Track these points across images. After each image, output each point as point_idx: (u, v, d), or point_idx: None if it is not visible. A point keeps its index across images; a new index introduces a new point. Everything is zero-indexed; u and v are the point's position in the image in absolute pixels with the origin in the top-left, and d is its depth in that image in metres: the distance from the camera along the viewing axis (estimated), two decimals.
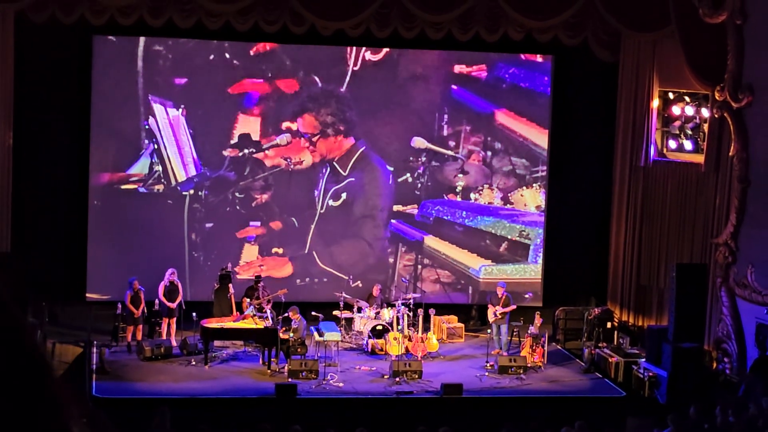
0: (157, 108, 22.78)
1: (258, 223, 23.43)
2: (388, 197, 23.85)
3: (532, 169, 24.18)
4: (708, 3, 20.34)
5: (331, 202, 23.60)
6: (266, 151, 23.25)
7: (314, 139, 23.39)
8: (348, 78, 23.34)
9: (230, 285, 21.52)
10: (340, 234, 23.75)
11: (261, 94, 23.12)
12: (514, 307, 21.52)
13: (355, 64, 23.36)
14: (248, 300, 20.96)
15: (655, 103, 22.79)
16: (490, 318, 21.35)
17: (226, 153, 23.14)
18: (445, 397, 18.35)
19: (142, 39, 22.60)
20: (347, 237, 23.81)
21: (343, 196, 23.65)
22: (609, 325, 22.30)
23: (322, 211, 23.57)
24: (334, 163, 23.53)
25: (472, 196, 24.11)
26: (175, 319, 21.03)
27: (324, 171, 23.52)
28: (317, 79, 23.27)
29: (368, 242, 23.91)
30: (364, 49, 23.31)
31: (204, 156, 23.10)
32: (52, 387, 1.91)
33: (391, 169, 23.75)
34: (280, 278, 23.18)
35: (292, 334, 19.85)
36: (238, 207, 23.35)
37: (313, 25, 22.05)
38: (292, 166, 23.36)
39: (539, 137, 24.04)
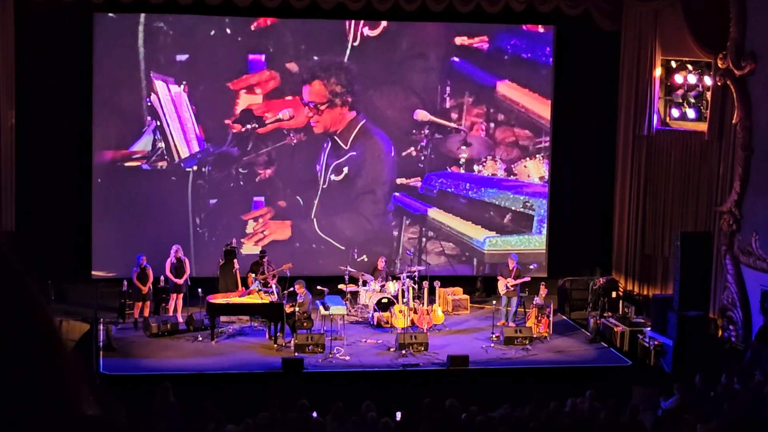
0: (159, 85, 22.76)
1: (262, 198, 23.44)
2: (391, 170, 23.85)
3: (535, 140, 24.16)
4: None
5: (333, 177, 23.60)
6: (269, 126, 23.25)
7: (321, 108, 23.35)
8: (348, 52, 23.30)
9: (235, 260, 21.54)
10: (343, 208, 23.77)
11: (263, 68, 23.08)
12: (528, 279, 21.52)
13: (354, 39, 23.32)
14: (253, 275, 20.99)
15: (658, 71, 22.74)
16: (501, 290, 21.32)
17: (228, 129, 23.13)
18: (452, 369, 18.40)
19: (142, 15, 22.56)
20: (350, 210, 23.82)
21: (345, 170, 23.66)
22: (614, 294, 22.33)
23: (324, 186, 23.58)
24: (335, 137, 23.52)
25: (476, 168, 24.10)
26: (181, 295, 21.08)
27: (326, 145, 23.52)
28: (318, 54, 23.22)
29: (371, 215, 23.93)
30: (362, 24, 23.26)
31: (207, 132, 23.10)
32: (65, 362, 1.93)
33: (393, 142, 23.75)
34: (282, 240, 23.33)
35: (297, 308, 19.90)
36: (241, 182, 23.36)
37: None
38: (294, 141, 23.35)
39: (542, 108, 24.01)
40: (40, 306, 1.94)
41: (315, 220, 23.62)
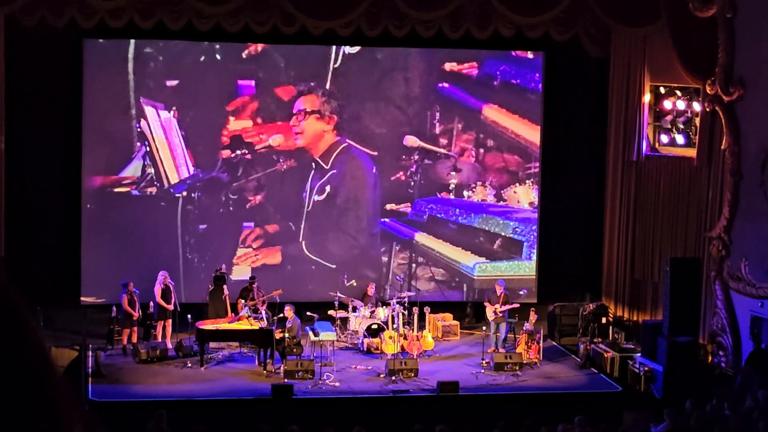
0: (149, 110, 22.76)
1: (252, 224, 23.42)
2: (373, 186, 23.80)
3: (525, 165, 24.19)
4: None
5: (316, 197, 23.59)
6: (259, 152, 23.25)
7: (306, 116, 23.27)
8: (337, 76, 23.34)
9: (225, 286, 21.51)
10: (329, 227, 23.72)
11: (253, 94, 23.12)
12: (517, 305, 21.52)
13: (343, 63, 23.35)
14: (243, 301, 20.96)
15: (647, 97, 22.81)
16: (490, 316, 21.30)
17: (218, 154, 23.13)
18: (442, 395, 18.36)
19: (132, 41, 22.58)
20: (335, 229, 23.78)
21: (327, 188, 23.62)
22: (604, 320, 22.31)
23: (309, 209, 23.56)
24: (318, 159, 23.51)
25: (465, 193, 24.12)
26: (170, 321, 21.02)
27: (311, 171, 23.49)
28: (307, 79, 23.26)
29: (356, 231, 23.87)
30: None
31: (196, 158, 23.09)
32: (56, 387, 1.92)
33: (374, 155, 23.69)
34: (272, 265, 23.31)
35: (287, 334, 19.85)
36: (231, 208, 23.34)
37: (303, 25, 22.04)
38: (284, 166, 23.35)
39: (531, 134, 24.05)
40: (35, 334, 1.93)
41: (303, 242, 23.58)
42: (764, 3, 19.60)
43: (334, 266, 23.59)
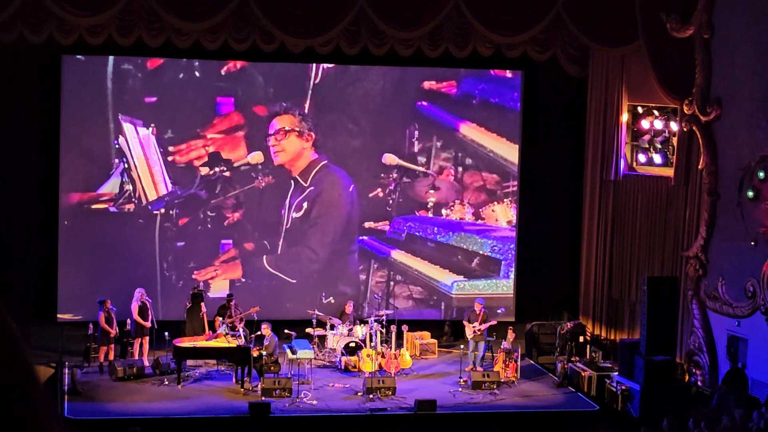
0: (127, 127, 22.71)
1: (230, 241, 23.38)
2: (349, 203, 23.78)
3: (503, 184, 24.24)
4: (676, 17, 20.48)
5: (294, 214, 23.57)
6: (237, 169, 23.24)
7: (286, 134, 23.26)
8: (316, 94, 23.34)
9: (202, 304, 21.45)
10: (306, 244, 23.67)
11: (232, 112, 23.10)
12: (495, 322, 21.55)
13: (322, 80, 23.37)
14: (220, 318, 20.90)
15: (624, 117, 22.89)
16: (469, 335, 21.31)
17: (197, 171, 23.09)
18: (419, 414, 18.34)
19: (111, 58, 22.54)
20: (312, 247, 23.73)
21: (305, 205, 23.59)
22: (581, 339, 22.36)
23: (287, 226, 23.53)
24: (297, 176, 23.49)
25: (444, 211, 24.14)
26: (147, 338, 20.94)
27: (290, 189, 23.46)
28: (286, 97, 23.26)
29: (333, 252, 23.84)
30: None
31: (174, 175, 23.04)
32: (40, 399, 1.93)
33: (352, 173, 23.70)
34: (245, 281, 23.24)
35: (264, 352, 19.81)
36: (209, 226, 23.29)
37: (282, 43, 22.05)
38: (263, 183, 23.34)
39: (510, 152, 24.11)
40: (24, 352, 1.94)
41: (281, 258, 23.55)
42: (741, 24, 19.73)
43: (310, 282, 23.56)
